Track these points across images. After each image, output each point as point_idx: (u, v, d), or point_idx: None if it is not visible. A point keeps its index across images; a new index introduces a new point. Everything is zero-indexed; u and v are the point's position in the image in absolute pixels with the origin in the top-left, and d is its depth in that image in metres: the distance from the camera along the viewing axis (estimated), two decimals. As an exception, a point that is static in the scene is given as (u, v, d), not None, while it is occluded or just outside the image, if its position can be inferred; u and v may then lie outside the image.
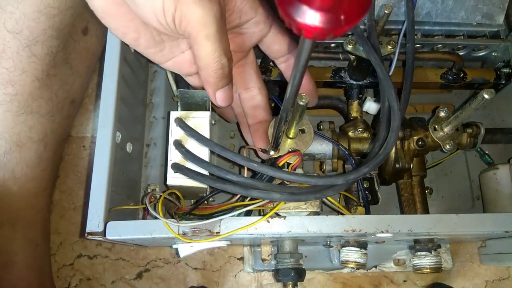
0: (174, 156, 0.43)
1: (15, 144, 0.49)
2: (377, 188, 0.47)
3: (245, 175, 0.39)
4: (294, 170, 0.43)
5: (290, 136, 0.44)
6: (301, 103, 0.36)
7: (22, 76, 0.47)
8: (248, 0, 0.38)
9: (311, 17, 0.18)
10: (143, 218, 0.51)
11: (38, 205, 0.53)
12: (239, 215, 0.39)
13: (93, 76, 0.64)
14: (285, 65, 0.46)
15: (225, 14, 0.36)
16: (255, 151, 0.46)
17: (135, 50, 0.49)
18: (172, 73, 0.55)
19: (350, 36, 0.50)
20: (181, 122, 0.42)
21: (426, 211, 0.50)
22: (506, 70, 0.53)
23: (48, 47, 0.48)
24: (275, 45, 0.43)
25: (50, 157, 0.53)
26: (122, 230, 0.38)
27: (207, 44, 0.34)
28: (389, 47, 0.48)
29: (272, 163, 0.41)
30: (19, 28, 0.46)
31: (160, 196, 0.42)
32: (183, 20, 0.33)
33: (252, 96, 0.46)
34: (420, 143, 0.47)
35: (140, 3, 0.34)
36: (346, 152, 0.47)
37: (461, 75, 0.53)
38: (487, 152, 0.57)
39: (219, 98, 0.39)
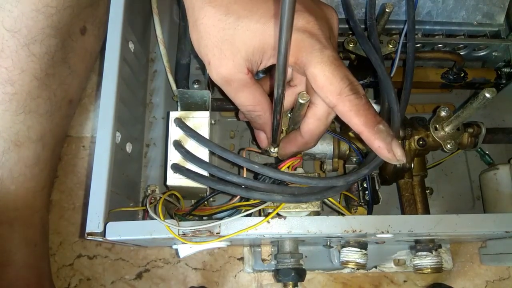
0: (174, 156, 0.43)
1: (13, 143, 0.49)
2: (377, 188, 0.47)
3: (244, 175, 0.39)
4: (295, 169, 0.43)
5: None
6: (301, 101, 0.36)
7: (21, 75, 0.47)
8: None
9: None
10: (143, 218, 0.51)
11: (36, 205, 0.53)
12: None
13: (93, 76, 0.64)
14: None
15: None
16: (259, 146, 0.46)
17: (134, 50, 0.49)
18: (172, 72, 0.55)
19: (351, 35, 0.50)
20: (180, 123, 0.42)
21: (427, 211, 0.50)
22: (506, 69, 0.53)
23: (47, 46, 0.48)
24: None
25: (49, 156, 0.53)
26: (122, 231, 0.38)
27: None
28: (390, 46, 0.48)
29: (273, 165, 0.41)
30: (18, 26, 0.46)
31: (160, 198, 0.42)
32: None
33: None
34: (421, 142, 0.47)
35: None
36: (352, 144, 0.47)
37: (462, 75, 0.53)
38: (487, 152, 0.57)
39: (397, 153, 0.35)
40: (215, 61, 0.36)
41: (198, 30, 0.36)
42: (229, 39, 0.35)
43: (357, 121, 0.34)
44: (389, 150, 0.34)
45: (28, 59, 0.47)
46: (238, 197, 0.40)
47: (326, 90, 0.34)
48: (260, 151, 0.48)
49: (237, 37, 0.34)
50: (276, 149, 0.43)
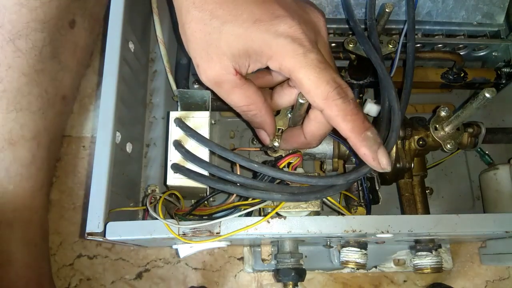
0: (174, 156, 0.43)
1: (7, 142, 0.48)
2: (377, 188, 0.47)
3: (238, 173, 0.39)
4: (295, 169, 0.43)
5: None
6: (301, 101, 0.36)
7: (8, 72, 0.47)
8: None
9: None
10: (143, 218, 0.51)
11: (35, 205, 0.53)
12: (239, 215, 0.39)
13: (93, 76, 0.64)
14: None
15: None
16: (261, 144, 0.46)
17: (134, 50, 0.49)
18: (172, 72, 0.55)
19: (351, 35, 0.50)
20: (180, 123, 0.42)
21: (426, 211, 0.50)
22: (506, 69, 0.53)
23: (33, 41, 0.47)
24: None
25: (45, 155, 0.53)
26: (122, 231, 0.38)
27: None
28: (390, 46, 0.48)
29: (273, 164, 0.41)
30: (1, 21, 0.45)
31: (160, 197, 0.42)
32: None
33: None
34: (421, 142, 0.47)
35: None
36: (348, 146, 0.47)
37: (462, 75, 0.53)
38: (487, 152, 0.57)
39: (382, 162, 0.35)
40: (203, 64, 0.36)
41: (186, 34, 0.36)
42: (214, 43, 0.35)
43: (344, 127, 0.34)
44: (374, 158, 0.34)
45: (14, 55, 0.46)
46: (235, 195, 0.40)
47: (313, 94, 0.34)
48: (256, 149, 0.48)
49: (222, 41, 0.35)
50: (279, 142, 0.43)
